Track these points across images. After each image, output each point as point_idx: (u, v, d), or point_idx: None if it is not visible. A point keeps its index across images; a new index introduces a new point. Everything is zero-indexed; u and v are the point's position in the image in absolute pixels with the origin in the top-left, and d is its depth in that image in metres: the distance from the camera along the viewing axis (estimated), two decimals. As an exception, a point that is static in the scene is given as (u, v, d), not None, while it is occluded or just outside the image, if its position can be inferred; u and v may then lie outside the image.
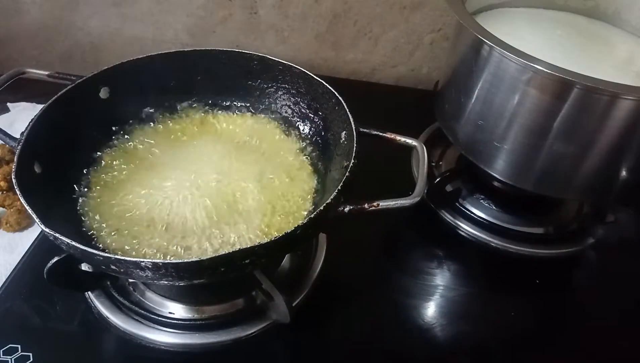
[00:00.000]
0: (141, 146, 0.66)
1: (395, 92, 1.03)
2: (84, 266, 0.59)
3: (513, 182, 0.66)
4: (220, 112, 0.71)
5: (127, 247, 0.55)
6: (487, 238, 0.72)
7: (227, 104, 0.72)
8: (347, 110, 0.59)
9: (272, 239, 0.45)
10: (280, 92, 0.70)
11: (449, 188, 0.76)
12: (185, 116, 0.70)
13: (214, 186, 0.60)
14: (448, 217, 0.75)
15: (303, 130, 0.69)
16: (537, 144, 0.61)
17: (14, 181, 0.48)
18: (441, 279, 0.68)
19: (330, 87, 0.63)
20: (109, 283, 0.61)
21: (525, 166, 0.64)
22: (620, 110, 0.55)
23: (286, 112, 0.71)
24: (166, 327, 0.58)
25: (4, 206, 0.71)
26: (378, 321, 0.63)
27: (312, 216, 0.48)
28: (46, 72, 0.64)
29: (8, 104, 0.90)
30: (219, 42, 1.01)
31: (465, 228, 0.74)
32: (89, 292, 0.60)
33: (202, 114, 0.71)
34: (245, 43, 1.02)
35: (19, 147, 0.52)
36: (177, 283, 0.57)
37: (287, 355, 0.60)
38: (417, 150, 0.59)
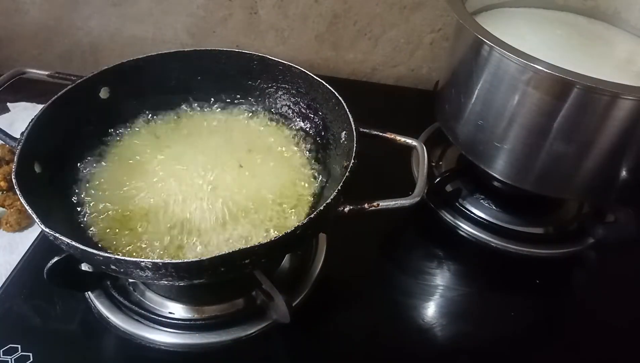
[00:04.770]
0: (141, 146, 0.66)
1: (395, 92, 1.03)
2: (84, 266, 0.59)
3: (513, 182, 0.66)
4: (220, 112, 0.71)
5: (127, 247, 0.55)
6: (487, 238, 0.72)
7: (227, 104, 0.72)
8: (347, 110, 0.59)
9: (272, 239, 0.45)
10: (280, 92, 0.70)
11: (449, 188, 0.76)
12: (185, 116, 0.70)
13: (214, 186, 0.60)
14: (448, 217, 0.75)
15: (303, 130, 0.69)
16: (537, 144, 0.61)
17: (14, 181, 0.48)
18: (441, 279, 0.68)
19: (330, 87, 0.63)
20: (109, 283, 0.61)
21: (525, 166, 0.64)
22: (620, 110, 0.55)
23: (286, 112, 0.71)
24: (166, 327, 0.58)
25: (4, 206, 0.71)
26: (378, 321, 0.63)
27: (312, 216, 0.48)
28: (46, 72, 0.64)
29: (8, 104, 0.90)
30: (219, 42, 1.01)
31: (465, 228, 0.74)
32: (89, 292, 0.60)
33: (202, 115, 0.71)
34: (245, 43, 1.02)
35: (19, 147, 0.52)
36: (177, 283, 0.57)
37: (287, 355, 0.60)
38: (417, 150, 0.59)
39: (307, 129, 0.69)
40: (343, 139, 0.61)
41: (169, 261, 0.43)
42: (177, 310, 0.60)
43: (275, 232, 0.57)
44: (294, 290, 0.61)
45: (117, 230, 0.56)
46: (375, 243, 0.73)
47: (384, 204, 0.52)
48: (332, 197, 0.49)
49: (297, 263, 0.65)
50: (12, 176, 0.49)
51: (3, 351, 0.55)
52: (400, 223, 0.77)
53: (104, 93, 0.65)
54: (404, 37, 0.98)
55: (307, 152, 0.67)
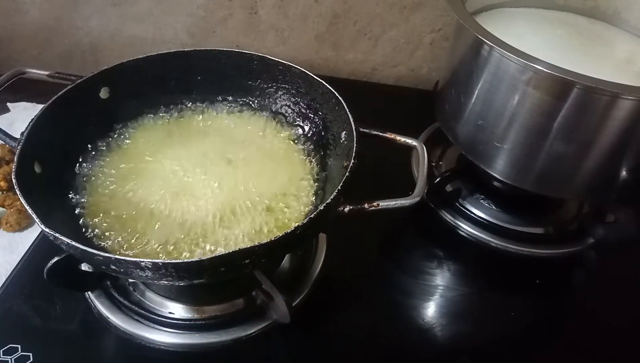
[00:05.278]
0: (141, 146, 0.66)
1: (395, 92, 1.03)
2: (84, 266, 0.59)
3: (513, 182, 0.66)
4: (220, 112, 0.71)
5: (127, 247, 0.55)
6: (487, 238, 0.72)
7: (227, 104, 0.72)
8: (347, 110, 0.59)
9: (272, 239, 0.45)
10: (280, 92, 0.70)
11: (449, 188, 0.76)
12: (185, 116, 0.70)
13: (214, 185, 0.60)
14: (448, 217, 0.75)
15: (303, 130, 0.69)
16: (537, 144, 0.61)
17: (14, 181, 0.48)
18: (441, 279, 0.68)
19: (330, 87, 0.63)
20: (109, 283, 0.61)
21: (525, 166, 0.64)
22: (620, 110, 0.55)
23: (286, 112, 0.71)
24: (166, 327, 0.58)
25: (4, 206, 0.71)
26: (378, 321, 0.63)
27: (312, 216, 0.48)
28: (46, 72, 0.64)
29: (8, 104, 0.90)
30: (219, 42, 1.01)
31: (465, 228, 0.74)
32: (89, 292, 0.60)
33: (202, 114, 0.71)
34: (245, 43, 1.02)
35: (19, 147, 0.52)
36: (177, 283, 0.57)
37: (287, 355, 0.60)
38: (417, 150, 0.59)
39: (307, 129, 0.69)
40: (343, 139, 0.61)
41: (169, 261, 0.43)
42: (177, 310, 0.60)
43: (275, 232, 0.57)
44: (294, 290, 0.61)
45: (117, 230, 0.56)
46: (375, 243, 0.73)
47: (384, 204, 0.52)
48: (332, 197, 0.49)
49: (297, 263, 0.65)
50: (12, 176, 0.49)
51: (3, 351, 0.55)
52: (400, 223, 0.77)
53: (104, 93, 0.65)
54: (404, 37, 0.98)
55: (307, 152, 0.67)
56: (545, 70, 0.54)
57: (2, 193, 0.73)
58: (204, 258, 0.43)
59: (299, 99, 0.69)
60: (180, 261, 0.44)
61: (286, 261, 0.66)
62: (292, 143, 0.68)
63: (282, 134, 0.69)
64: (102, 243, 0.55)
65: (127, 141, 0.66)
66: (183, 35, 1.02)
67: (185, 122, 0.70)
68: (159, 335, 0.57)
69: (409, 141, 0.59)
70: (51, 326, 0.58)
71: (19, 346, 0.55)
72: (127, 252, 0.54)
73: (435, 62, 1.01)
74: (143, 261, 0.43)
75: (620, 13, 0.77)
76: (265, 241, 0.45)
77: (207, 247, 0.55)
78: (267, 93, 0.71)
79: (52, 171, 0.56)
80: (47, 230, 0.45)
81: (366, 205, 0.52)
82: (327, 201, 0.48)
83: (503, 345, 0.62)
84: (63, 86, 0.60)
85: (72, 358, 0.56)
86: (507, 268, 0.71)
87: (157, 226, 0.56)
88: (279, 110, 0.71)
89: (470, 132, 0.68)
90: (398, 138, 0.59)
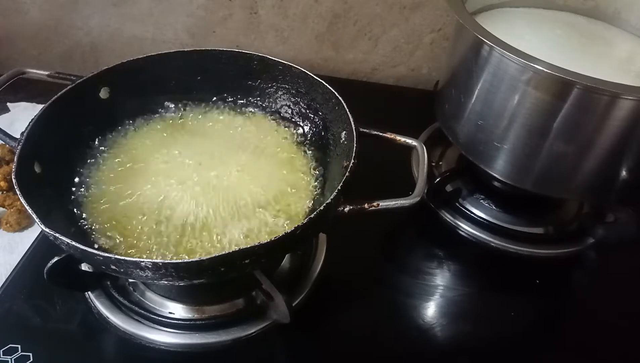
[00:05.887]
0: (141, 146, 0.66)
1: (395, 92, 1.03)
2: (84, 266, 0.59)
3: (513, 182, 0.66)
4: (220, 112, 0.71)
5: (127, 246, 0.55)
6: (487, 238, 0.72)
7: (227, 104, 0.72)
8: (347, 110, 0.59)
9: (272, 239, 0.45)
10: (280, 92, 0.70)
11: (449, 188, 0.76)
12: (185, 116, 0.70)
13: (214, 185, 0.60)
14: (448, 217, 0.75)
15: (303, 130, 0.69)
16: (537, 144, 0.61)
17: (14, 181, 0.48)
18: (441, 279, 0.68)
19: (330, 87, 0.63)
20: (109, 283, 0.61)
21: (525, 166, 0.64)
22: (620, 110, 0.55)
23: (286, 112, 0.71)
24: (166, 327, 0.58)
25: (4, 206, 0.71)
26: (378, 321, 0.63)
27: (312, 216, 0.48)
28: (46, 72, 0.64)
29: (8, 104, 0.90)
30: (219, 42, 1.02)
31: (465, 228, 0.74)
32: (89, 292, 0.60)
33: (202, 114, 0.71)
34: (245, 43, 1.02)
35: (19, 147, 0.52)
36: (177, 283, 0.57)
37: (287, 355, 0.60)
38: (417, 150, 0.59)
39: (307, 129, 0.69)
40: (343, 139, 0.61)
41: (169, 261, 0.44)
42: (177, 310, 0.60)
43: (275, 232, 0.57)
44: (294, 290, 0.61)
45: (117, 229, 0.56)
46: (375, 243, 0.73)
47: (384, 204, 0.52)
48: (332, 197, 0.49)
49: (297, 263, 0.65)
50: (12, 176, 0.49)
51: (3, 351, 0.55)
52: (400, 223, 0.77)
53: (104, 93, 0.65)
54: (404, 37, 0.98)
55: (307, 152, 0.67)
56: (545, 70, 0.54)
57: (2, 193, 0.73)
58: (204, 258, 0.43)
59: (299, 99, 0.69)
60: (180, 261, 0.44)
61: (286, 261, 0.66)
62: (292, 143, 0.68)
63: (282, 135, 0.69)
64: (103, 243, 0.55)
65: (127, 141, 0.66)
66: (183, 35, 1.02)
67: (185, 123, 0.70)
68: (159, 335, 0.57)
69: (409, 141, 0.59)
70: (51, 326, 0.58)
71: (19, 346, 0.55)
72: (126, 252, 0.54)
73: (435, 62, 1.01)
74: (143, 261, 0.43)
75: (620, 13, 0.77)
76: (265, 241, 0.45)
77: (207, 247, 0.55)
78: (267, 93, 0.71)
79: (52, 171, 0.56)
80: (47, 230, 0.45)
81: (366, 205, 0.52)
82: (327, 201, 0.48)
83: (503, 345, 0.62)
84: (63, 86, 0.60)
85: (72, 358, 0.56)
86: (507, 268, 0.71)
87: (156, 225, 0.56)
88: (279, 110, 0.71)
89: (470, 133, 0.68)
90: (398, 138, 0.59)
